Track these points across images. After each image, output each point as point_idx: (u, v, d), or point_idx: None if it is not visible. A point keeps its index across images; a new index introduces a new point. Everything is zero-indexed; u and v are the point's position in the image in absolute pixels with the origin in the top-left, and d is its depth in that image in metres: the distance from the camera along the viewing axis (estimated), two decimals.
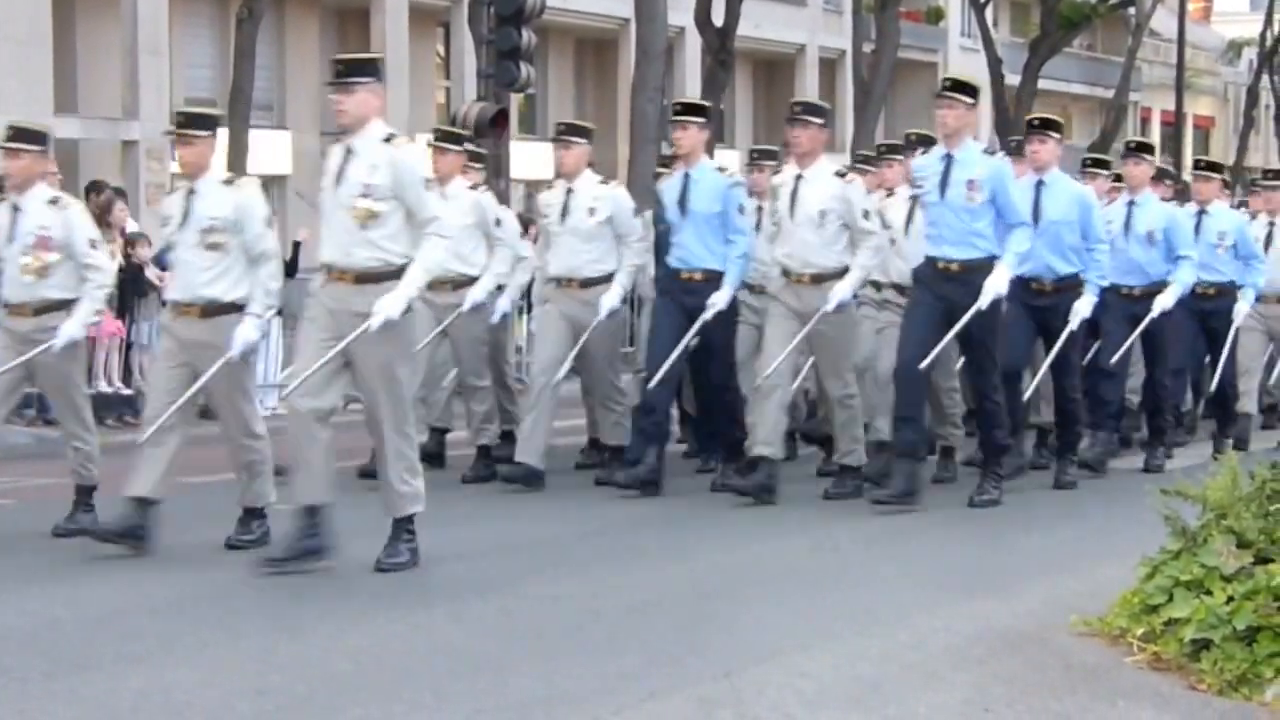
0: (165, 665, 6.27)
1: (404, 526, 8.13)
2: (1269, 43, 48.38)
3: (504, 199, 17.73)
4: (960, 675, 6.16)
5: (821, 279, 10.13)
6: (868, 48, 32.39)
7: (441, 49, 37.37)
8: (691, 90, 35.12)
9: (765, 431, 10.19)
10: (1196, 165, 13.33)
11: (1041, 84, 39.21)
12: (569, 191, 10.82)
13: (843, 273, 10.15)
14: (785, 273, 10.32)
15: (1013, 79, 38.00)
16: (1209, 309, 12.41)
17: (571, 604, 7.39)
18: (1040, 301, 10.83)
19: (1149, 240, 11.64)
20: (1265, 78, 49.89)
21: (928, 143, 10.94)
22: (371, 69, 8.22)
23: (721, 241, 10.39)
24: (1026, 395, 10.98)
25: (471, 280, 11.02)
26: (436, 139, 11.40)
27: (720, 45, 27.05)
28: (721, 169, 10.82)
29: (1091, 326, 11.37)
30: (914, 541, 9.08)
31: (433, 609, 7.26)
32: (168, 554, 8.38)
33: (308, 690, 5.97)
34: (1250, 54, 56.48)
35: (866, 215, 10.23)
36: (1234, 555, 6.24)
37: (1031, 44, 39.43)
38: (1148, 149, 12.25)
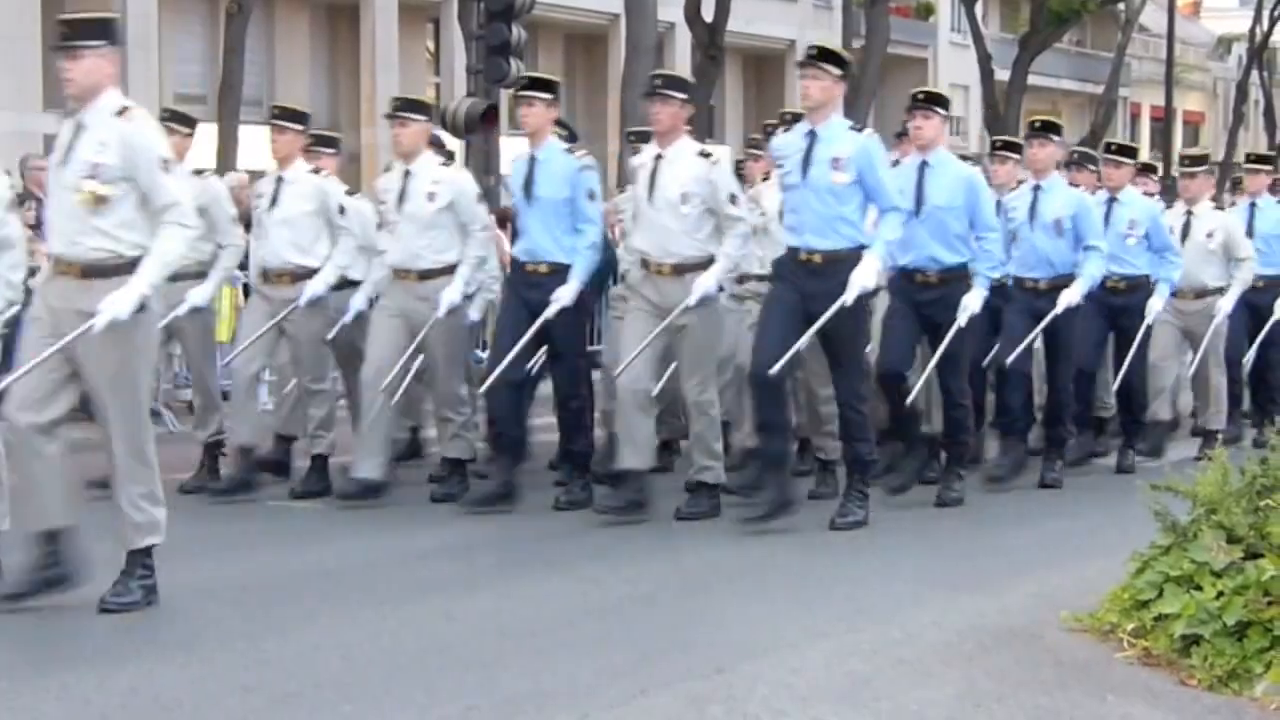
0: (154, 662, 6.26)
1: (138, 560, 7.11)
2: (1258, 38, 48.48)
3: (493, 195, 17.73)
4: (951, 671, 6.16)
5: (683, 269, 9.24)
6: (857, 43, 32.38)
7: (431, 44, 37.40)
8: None
9: (632, 442, 9.36)
10: (1107, 149, 11.93)
11: (1031, 80, 39.36)
12: (407, 174, 9.84)
13: (707, 263, 9.22)
14: (644, 263, 9.45)
15: (1002, 75, 38.08)
16: (1119, 304, 11.41)
17: (562, 601, 7.38)
18: (925, 295, 9.83)
19: (1056, 229, 10.66)
20: (1254, 73, 50.00)
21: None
22: (103, 30, 7.08)
23: (569, 231, 9.46)
24: (911, 398, 9.82)
25: (312, 272, 10.08)
26: (272, 116, 10.49)
27: (710, 40, 27.07)
28: (570, 150, 9.76)
29: (995, 324, 10.56)
30: (903, 538, 9.07)
31: (423, 606, 7.24)
32: (154, 551, 8.36)
33: (297, 687, 5.96)
34: (1239, 49, 56.63)
35: (734, 199, 9.29)
36: (1224, 550, 6.25)
37: (1021, 40, 39.58)
38: (1054, 129, 11.06)
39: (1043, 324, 10.53)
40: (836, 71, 8.99)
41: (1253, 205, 13.15)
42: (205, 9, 32.02)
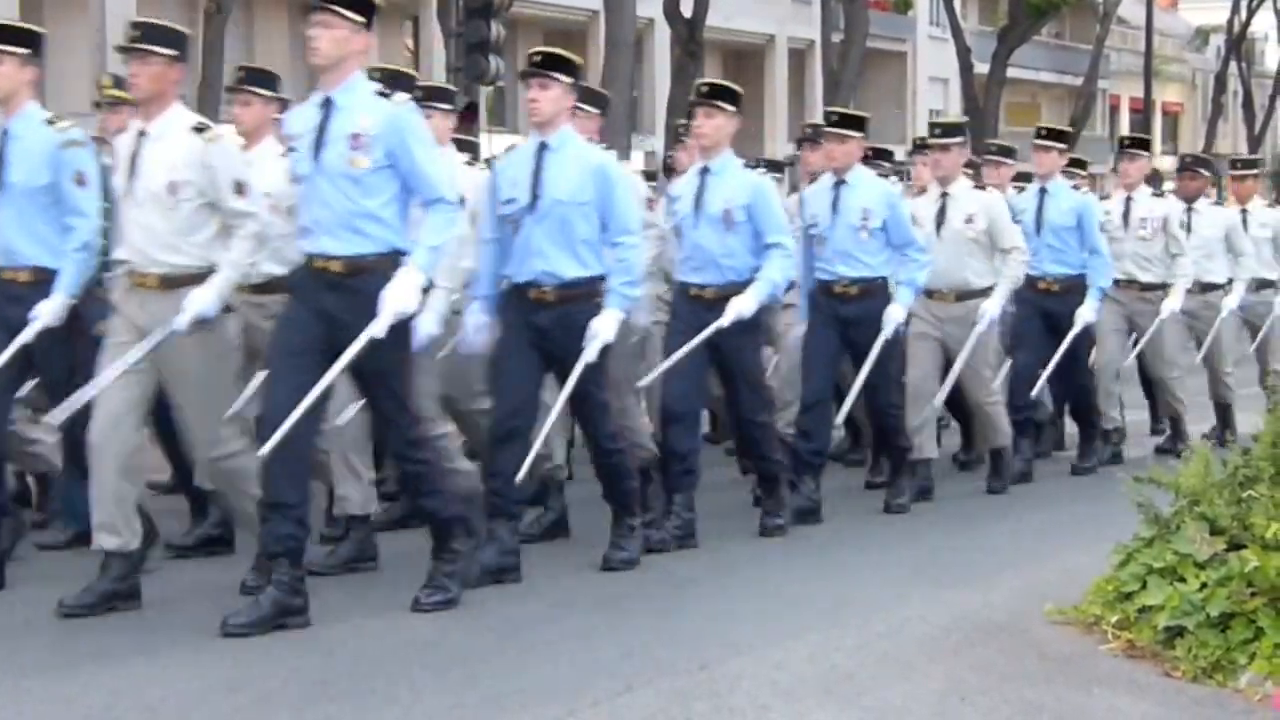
0: (139, 662, 6.25)
1: None
2: (1236, 29, 48.66)
3: None
4: (935, 665, 6.17)
5: (174, 283, 6.90)
6: (837, 38, 32.42)
7: (410, 42, 37.36)
8: (661, 84, 35.10)
9: (238, 502, 7.27)
10: (828, 119, 9.62)
11: (1010, 72, 39.42)
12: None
13: (207, 274, 6.91)
14: (128, 273, 7.04)
15: (982, 68, 38.13)
16: (852, 315, 9.23)
17: (545, 598, 7.38)
18: (539, 318, 7.61)
19: (726, 222, 8.48)
20: (1233, 64, 50.18)
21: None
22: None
23: (58, 229, 7.34)
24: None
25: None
26: None
27: (689, 36, 27.04)
28: (52, 121, 7.47)
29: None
30: (887, 533, 9.08)
31: (406, 603, 7.22)
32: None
33: (281, 686, 5.96)
34: (1218, 41, 56.82)
35: (240, 189, 6.92)
36: (1207, 542, 6.26)
37: (1000, 33, 39.60)
38: (726, 94, 8.63)
39: (703, 335, 8.36)
40: (356, 18, 6.71)
41: (1043, 191, 10.86)
42: (184, 9, 31.92)
